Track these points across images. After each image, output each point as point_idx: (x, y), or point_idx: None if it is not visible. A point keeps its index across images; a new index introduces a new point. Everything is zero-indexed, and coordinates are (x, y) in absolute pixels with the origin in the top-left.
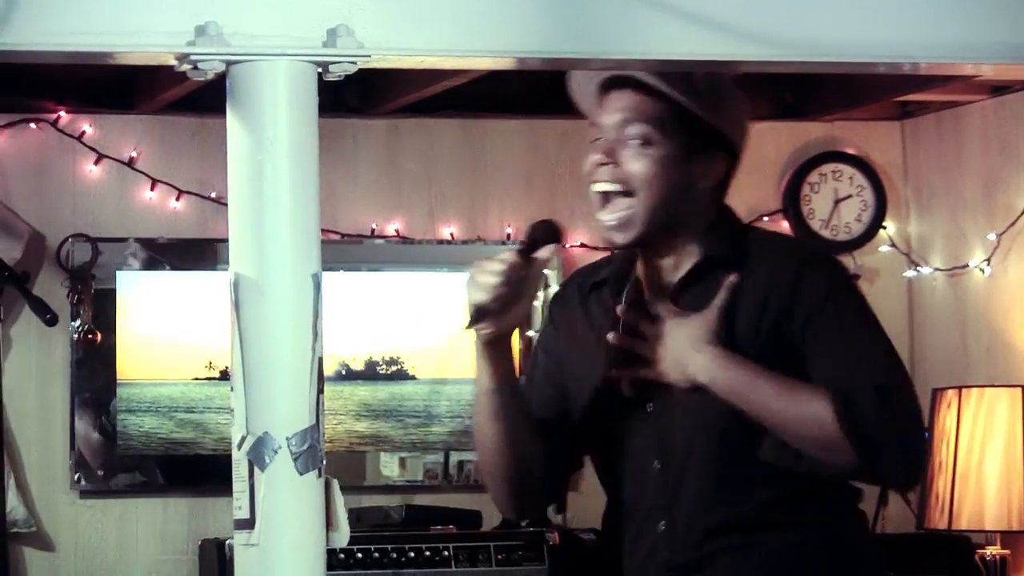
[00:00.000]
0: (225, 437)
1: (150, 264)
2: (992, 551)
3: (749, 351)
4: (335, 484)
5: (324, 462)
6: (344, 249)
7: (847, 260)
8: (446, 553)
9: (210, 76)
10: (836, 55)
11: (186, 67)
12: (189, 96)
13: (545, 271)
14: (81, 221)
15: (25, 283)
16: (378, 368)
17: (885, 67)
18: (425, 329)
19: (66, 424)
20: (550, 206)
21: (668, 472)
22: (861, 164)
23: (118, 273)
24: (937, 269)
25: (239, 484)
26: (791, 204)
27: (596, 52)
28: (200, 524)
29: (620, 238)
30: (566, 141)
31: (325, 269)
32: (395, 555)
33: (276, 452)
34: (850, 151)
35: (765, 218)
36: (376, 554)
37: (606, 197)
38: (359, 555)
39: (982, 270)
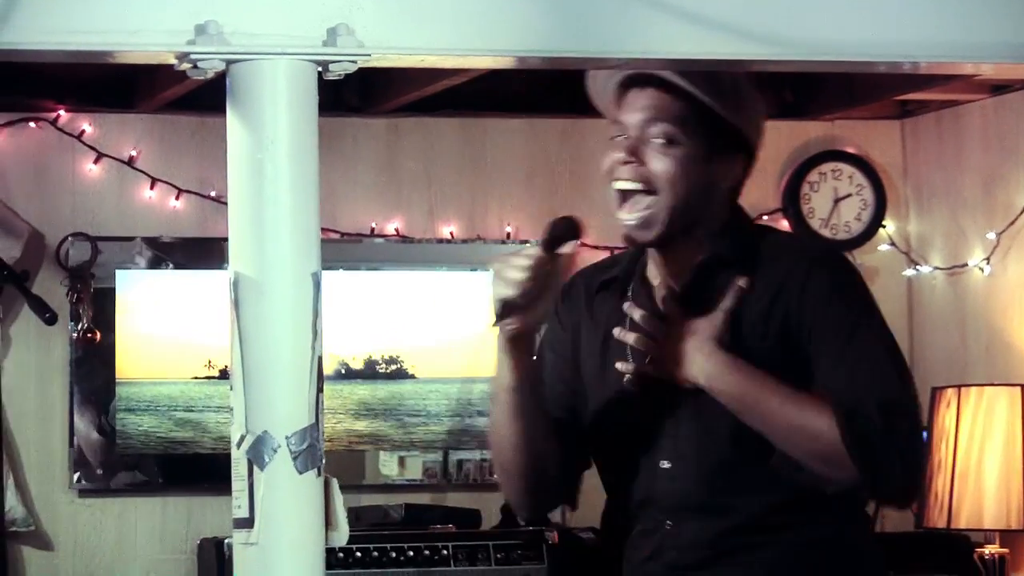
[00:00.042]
0: (224, 436)
1: (156, 263)
2: (991, 550)
3: (756, 353)
4: (334, 483)
5: (323, 461)
6: (344, 248)
7: None
8: (445, 552)
9: (210, 75)
10: (836, 54)
11: (186, 66)
12: (189, 95)
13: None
14: (80, 220)
15: (24, 282)
16: (377, 367)
17: (885, 66)
18: (425, 328)
19: (65, 423)
20: (550, 205)
21: (676, 471)
22: (861, 163)
23: (117, 272)
24: (937, 268)
25: (238, 483)
26: (791, 203)
27: (596, 51)
28: (199, 523)
29: (641, 237)
30: (566, 140)
31: (325, 268)
32: (394, 554)
33: (275, 451)
34: (850, 150)
35: (765, 217)
36: (375, 553)
37: (625, 195)
38: (358, 554)
39: (981, 269)
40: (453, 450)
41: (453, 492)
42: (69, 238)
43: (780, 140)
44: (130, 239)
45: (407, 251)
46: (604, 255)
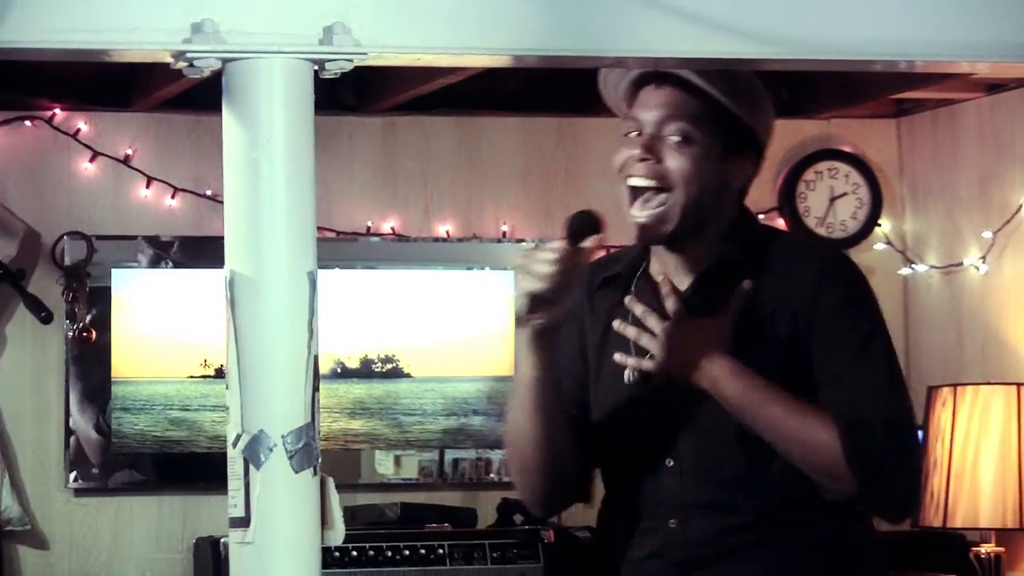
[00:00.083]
0: (220, 435)
1: (156, 261)
2: (987, 549)
3: (760, 356)
4: (330, 482)
5: (319, 460)
6: (340, 247)
7: None
8: (441, 551)
9: (206, 74)
10: (832, 53)
11: (182, 64)
12: (185, 94)
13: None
14: (76, 219)
15: (20, 281)
16: (373, 366)
17: (881, 65)
18: (421, 327)
19: (61, 422)
20: (546, 203)
21: (682, 469)
22: (857, 162)
23: (113, 271)
24: (932, 267)
25: (234, 482)
26: (787, 202)
27: (592, 50)
28: (195, 522)
29: (652, 234)
30: (562, 138)
31: (320, 267)
32: (390, 553)
33: (271, 450)
34: (846, 149)
35: (761, 216)
36: (371, 552)
37: (636, 192)
38: (354, 553)
39: (977, 268)
40: (449, 449)
41: (449, 491)
42: (65, 237)
43: (776, 139)
44: (126, 238)
45: (403, 250)
46: (600, 253)
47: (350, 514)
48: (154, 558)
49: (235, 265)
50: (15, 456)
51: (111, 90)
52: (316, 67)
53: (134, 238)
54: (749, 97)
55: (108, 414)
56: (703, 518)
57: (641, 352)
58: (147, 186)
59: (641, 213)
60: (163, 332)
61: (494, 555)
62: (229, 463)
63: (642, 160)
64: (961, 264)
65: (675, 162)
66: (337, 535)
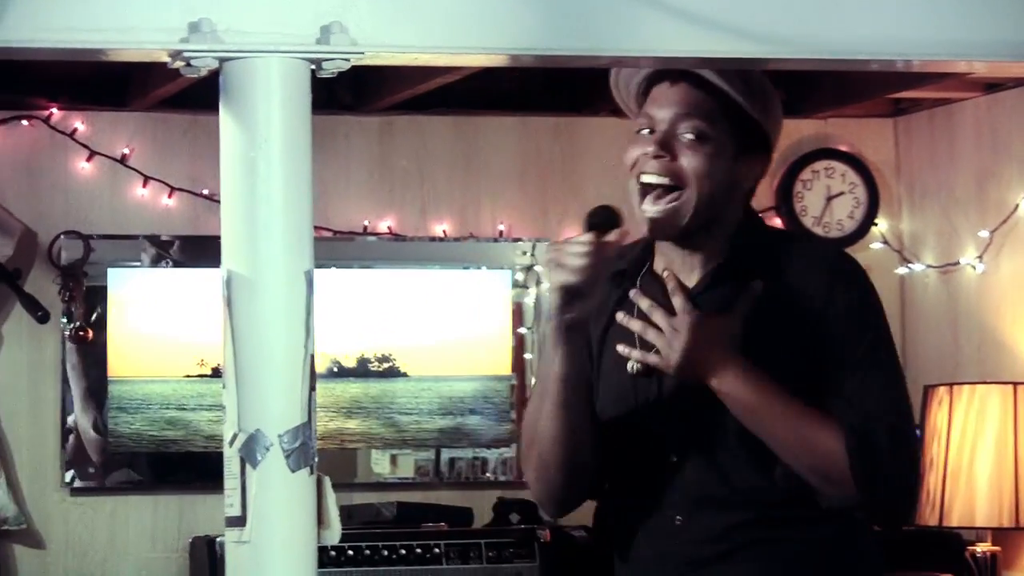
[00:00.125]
0: (216, 434)
1: (157, 261)
2: (983, 548)
3: (766, 357)
4: (327, 481)
5: (316, 459)
6: (336, 246)
7: None
8: (437, 550)
9: (203, 73)
10: (830, 53)
11: (179, 64)
12: (181, 93)
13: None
14: (73, 218)
15: (17, 280)
16: (370, 365)
17: (879, 64)
18: (417, 326)
19: (57, 421)
20: (542, 203)
21: (686, 466)
22: (854, 161)
23: (110, 270)
24: (929, 266)
25: (231, 481)
26: (784, 201)
27: (590, 49)
28: (191, 521)
29: (664, 230)
30: (558, 138)
31: (317, 266)
32: (386, 552)
33: (268, 449)
34: (843, 148)
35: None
36: (367, 551)
37: (647, 188)
38: (350, 552)
39: (974, 267)
40: (445, 448)
41: (445, 490)
42: (61, 236)
43: None
44: (122, 237)
45: (400, 249)
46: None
47: (346, 513)
48: (150, 557)
49: (232, 264)
50: (11, 455)
51: (108, 89)
52: (313, 67)
53: (131, 237)
54: (762, 97)
55: (105, 413)
56: (707, 514)
57: (646, 346)
58: (144, 185)
59: (653, 208)
60: (159, 331)
61: (490, 554)
62: (225, 462)
63: (656, 157)
64: (958, 263)
65: (689, 160)
66: (333, 534)
